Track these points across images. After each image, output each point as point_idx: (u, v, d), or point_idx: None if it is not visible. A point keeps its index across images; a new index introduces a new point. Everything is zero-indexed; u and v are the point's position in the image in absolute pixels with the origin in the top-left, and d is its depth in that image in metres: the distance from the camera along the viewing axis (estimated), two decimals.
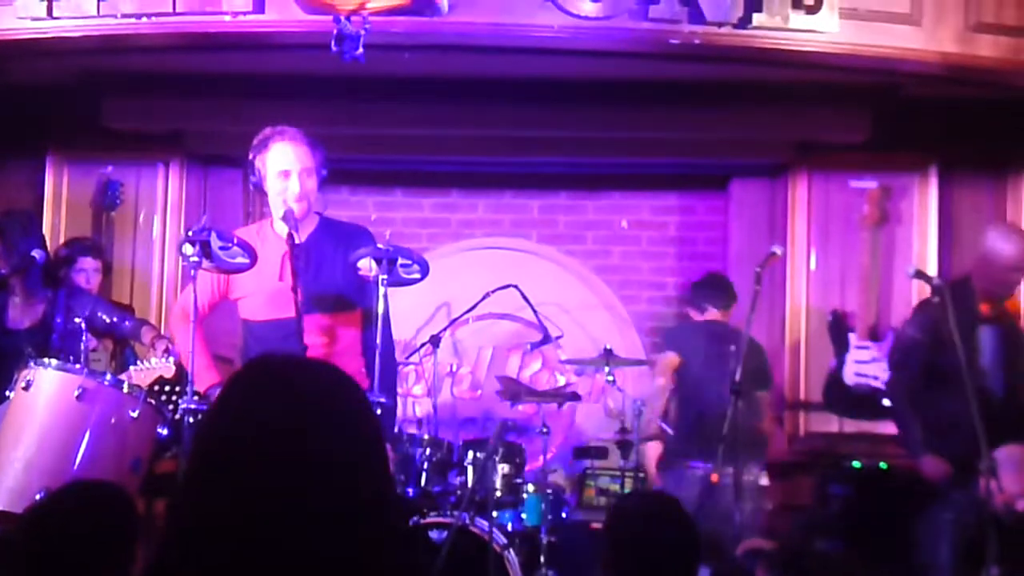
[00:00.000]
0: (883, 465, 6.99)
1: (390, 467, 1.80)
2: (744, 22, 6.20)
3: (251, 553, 1.60)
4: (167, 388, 6.01)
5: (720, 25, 6.20)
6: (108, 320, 6.00)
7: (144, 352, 6.02)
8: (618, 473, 7.11)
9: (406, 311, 7.04)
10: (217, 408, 1.75)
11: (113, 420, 4.91)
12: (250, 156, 4.99)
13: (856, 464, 7.03)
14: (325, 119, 6.79)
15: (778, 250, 6.13)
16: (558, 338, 7.23)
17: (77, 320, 5.85)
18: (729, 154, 7.74)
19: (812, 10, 6.24)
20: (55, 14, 6.22)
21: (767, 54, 6.35)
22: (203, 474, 1.69)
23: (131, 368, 5.59)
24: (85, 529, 3.09)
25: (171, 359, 5.57)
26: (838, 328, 7.42)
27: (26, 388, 4.93)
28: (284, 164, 4.93)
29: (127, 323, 6.08)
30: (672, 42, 6.26)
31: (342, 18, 5.38)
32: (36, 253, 5.83)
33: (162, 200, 7.63)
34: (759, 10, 6.19)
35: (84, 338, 5.74)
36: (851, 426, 7.41)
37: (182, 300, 5.34)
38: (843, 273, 7.56)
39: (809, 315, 7.58)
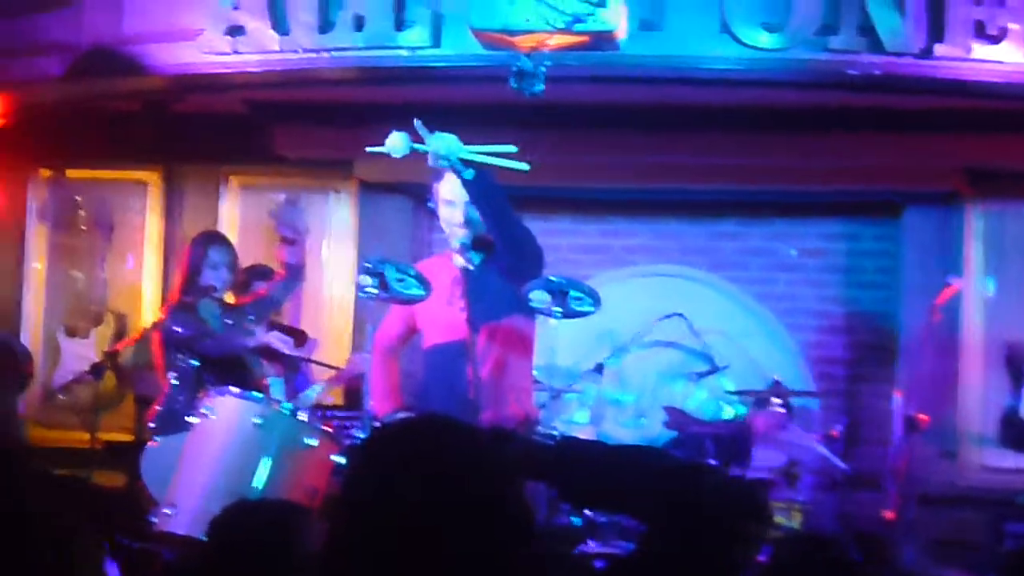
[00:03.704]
0: None
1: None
2: (925, 53, 6.08)
3: None
4: (343, 414, 6.08)
5: (900, 55, 6.10)
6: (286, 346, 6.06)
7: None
8: (784, 506, 6.98)
9: (568, 338, 7.02)
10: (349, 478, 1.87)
11: (291, 449, 4.96)
12: (432, 184, 5.12)
13: None
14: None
15: (955, 281, 6.00)
16: (724, 368, 7.15)
17: (257, 346, 5.93)
18: (900, 182, 7.54)
19: (996, 40, 6.09)
20: (239, 49, 6.38)
21: (949, 84, 6.21)
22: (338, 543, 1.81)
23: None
24: (264, 545, 3.09)
25: None
26: (1015, 361, 7.22)
27: (206, 415, 5.02)
28: (450, 194, 5.03)
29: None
30: (850, 72, 6.16)
31: (522, 56, 5.40)
32: (204, 283, 5.90)
33: (332, 226, 7.76)
34: (941, 40, 6.06)
35: (266, 364, 5.84)
36: None
37: (376, 335, 5.42)
38: (1022, 303, 7.34)
39: (986, 347, 7.37)
